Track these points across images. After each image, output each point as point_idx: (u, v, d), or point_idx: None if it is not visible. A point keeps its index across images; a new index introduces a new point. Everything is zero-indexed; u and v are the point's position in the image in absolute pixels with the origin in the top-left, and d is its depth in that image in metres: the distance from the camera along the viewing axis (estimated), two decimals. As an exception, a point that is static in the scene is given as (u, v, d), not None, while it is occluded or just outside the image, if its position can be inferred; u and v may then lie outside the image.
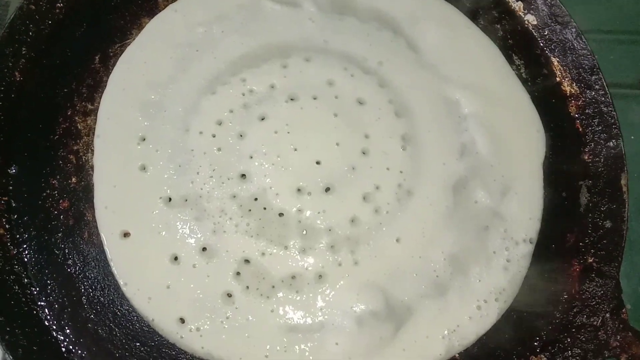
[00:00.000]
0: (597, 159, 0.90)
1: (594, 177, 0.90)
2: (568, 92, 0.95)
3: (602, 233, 0.86)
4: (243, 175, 0.82)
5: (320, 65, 0.88)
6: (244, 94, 0.85)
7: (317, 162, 0.83)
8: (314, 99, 0.85)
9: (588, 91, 0.93)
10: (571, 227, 0.88)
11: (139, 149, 0.83)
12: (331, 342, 0.77)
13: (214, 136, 0.83)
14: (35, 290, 0.79)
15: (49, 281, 0.80)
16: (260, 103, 0.85)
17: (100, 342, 0.78)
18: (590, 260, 0.85)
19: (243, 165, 0.82)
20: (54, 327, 0.78)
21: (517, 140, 0.90)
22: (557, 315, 0.83)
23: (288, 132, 0.83)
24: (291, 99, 0.85)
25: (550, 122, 0.92)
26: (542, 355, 0.81)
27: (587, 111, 0.93)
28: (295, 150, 0.83)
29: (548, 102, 0.94)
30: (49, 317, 0.79)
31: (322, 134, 0.84)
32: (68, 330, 0.78)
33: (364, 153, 0.84)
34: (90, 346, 0.78)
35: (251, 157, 0.82)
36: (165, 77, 0.87)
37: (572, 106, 0.94)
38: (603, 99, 0.91)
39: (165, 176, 0.82)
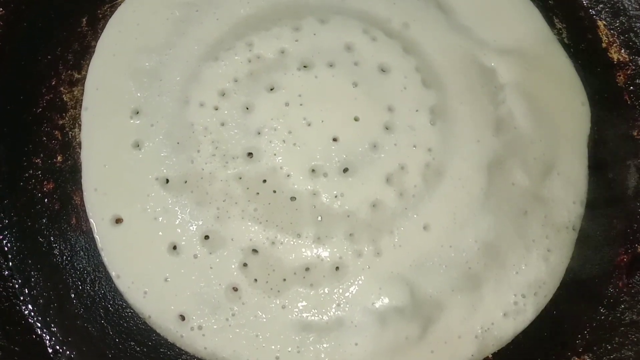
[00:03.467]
0: (647, 135, 0.80)
1: (645, 155, 0.80)
2: (615, 60, 0.84)
3: (655, 218, 0.77)
4: (250, 154, 0.73)
5: (337, 28, 0.77)
6: (250, 61, 0.75)
7: (334, 139, 0.73)
8: (330, 66, 0.75)
9: (639, 58, 0.82)
10: (618, 212, 0.79)
11: (132, 123, 0.74)
12: (350, 342, 0.69)
13: (216, 109, 0.73)
14: (18, 283, 0.72)
15: (32, 272, 0.72)
16: (269, 71, 0.75)
17: (91, 341, 0.71)
18: (641, 250, 0.76)
19: (250, 142, 0.73)
20: (39, 324, 0.71)
21: (560, 114, 0.80)
22: (603, 312, 0.75)
23: (301, 105, 0.73)
24: (304, 67, 0.75)
25: (596, 93, 0.82)
26: (586, 357, 0.72)
27: (637, 81, 0.82)
28: (309, 125, 0.73)
29: (593, 71, 0.84)
30: (32, 313, 0.71)
31: (340, 107, 0.74)
32: (54, 328, 0.71)
33: (387, 128, 0.74)
34: (79, 346, 0.70)
35: (259, 133, 0.73)
36: (161, 41, 0.77)
37: (620, 75, 0.83)
38: (657, 66, 0.81)
39: (161, 154, 0.72)
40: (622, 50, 0.84)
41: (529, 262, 0.74)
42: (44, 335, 0.70)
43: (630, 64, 0.83)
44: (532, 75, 0.80)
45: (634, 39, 0.83)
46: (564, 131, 0.79)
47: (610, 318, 0.74)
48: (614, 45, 0.84)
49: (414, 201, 0.73)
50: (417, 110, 0.75)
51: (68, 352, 0.70)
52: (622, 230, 0.78)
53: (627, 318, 0.73)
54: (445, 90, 0.77)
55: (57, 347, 0.70)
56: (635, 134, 0.81)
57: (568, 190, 0.77)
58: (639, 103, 0.82)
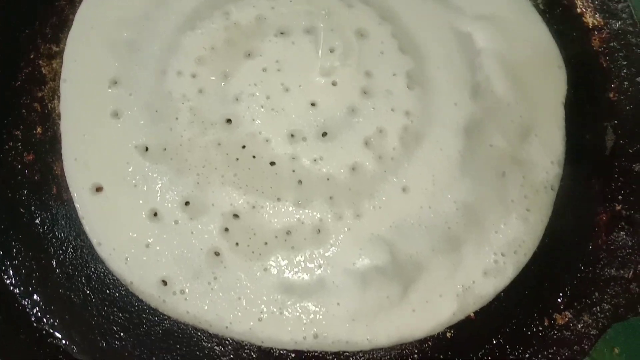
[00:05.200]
0: (623, 96, 0.81)
1: (621, 117, 0.81)
2: (591, 24, 0.85)
3: (631, 177, 0.77)
4: (228, 120, 0.73)
5: (313, -6, 0.77)
6: (227, 29, 0.76)
7: (312, 104, 0.74)
8: (307, 32, 0.76)
9: (613, 22, 0.83)
10: (596, 172, 0.79)
11: (110, 93, 0.74)
12: (332, 302, 0.69)
13: (194, 77, 0.74)
14: (-1, 253, 0.71)
15: (13, 243, 0.72)
16: (247, 38, 0.76)
17: (74, 309, 0.70)
18: (619, 208, 0.76)
19: (228, 109, 0.73)
20: (21, 294, 0.70)
21: (536, 77, 0.80)
22: (583, 269, 0.75)
23: (278, 70, 0.74)
24: (281, 33, 0.76)
25: (572, 57, 0.83)
26: (567, 313, 0.73)
27: (612, 44, 0.83)
28: (287, 90, 0.73)
29: (568, 35, 0.85)
30: (15, 283, 0.71)
31: (317, 72, 0.74)
32: (37, 297, 0.70)
33: (365, 93, 0.75)
34: (62, 314, 0.70)
35: (237, 100, 0.73)
36: (139, 12, 0.78)
37: (595, 39, 0.84)
38: (631, 29, 0.82)
39: (140, 123, 0.73)
40: (597, 15, 0.85)
41: (508, 222, 0.74)
42: (27, 304, 0.70)
43: (605, 27, 0.84)
44: (509, 40, 0.81)
45: (608, 3, 0.84)
46: (541, 94, 0.80)
47: (590, 275, 0.75)
48: (589, 9, 0.85)
49: (393, 164, 0.73)
50: (394, 75, 0.76)
51: (51, 321, 0.69)
52: (601, 190, 0.78)
53: (606, 274, 0.74)
54: (422, 56, 0.78)
55: (40, 316, 0.69)
56: (611, 95, 0.82)
57: (545, 151, 0.78)
58: (614, 66, 0.82)
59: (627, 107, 0.81)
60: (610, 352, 0.83)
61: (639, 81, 0.81)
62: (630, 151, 0.79)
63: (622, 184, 0.78)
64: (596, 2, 0.85)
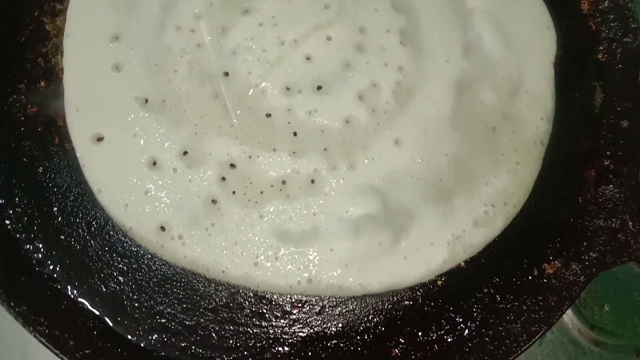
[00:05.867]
0: (612, 57, 0.83)
1: (609, 77, 0.82)
2: (580, -13, 0.86)
3: (619, 134, 0.79)
4: (226, 73, 0.75)
5: (308, -47, 0.80)
6: (225, -15, 0.78)
7: (308, 58, 0.76)
8: (303, -11, 0.78)
9: (602, -15, 0.85)
10: (585, 129, 0.81)
11: (111, 47, 0.76)
12: (325, 248, 0.71)
13: (192, 31, 0.76)
14: (2, 200, 0.73)
15: (16, 191, 0.74)
16: (244, -6, 0.77)
17: (75, 255, 0.72)
18: (607, 163, 0.78)
19: (225, 62, 0.75)
20: (23, 239, 0.72)
21: (527, 37, 0.82)
22: (572, 221, 0.76)
23: (274, 25, 0.76)
24: (277, -10, 0.78)
25: (561, 20, 0.85)
26: (556, 262, 0.74)
27: (600, 7, 0.85)
28: (283, 44, 0.75)
29: (558, -2, 0.86)
30: (17, 229, 0.73)
31: (312, 27, 0.76)
32: (39, 244, 0.72)
33: (359, 48, 0.77)
34: (63, 259, 0.72)
35: (234, 53, 0.75)
36: (139, -30, 0.79)
37: (584, 3, 0.86)
38: (618, -10, 0.83)
39: (140, 75, 0.75)
40: (586, -23, 0.87)
41: (498, 174, 0.76)
42: (29, 249, 0.72)
43: (594, -10, 0.86)
44: (500, 1, 0.83)
45: (596, -35, 0.86)
46: (531, 53, 0.82)
47: (579, 227, 0.76)
48: (578, -28, 0.87)
49: (386, 117, 0.75)
50: (387, 31, 0.78)
51: (52, 266, 0.71)
52: (589, 146, 0.80)
53: (594, 224, 0.75)
54: (414, 15, 0.80)
55: (42, 260, 0.71)
56: (600, 56, 0.84)
57: (535, 107, 0.80)
58: (603, 28, 0.84)
59: (615, 67, 0.83)
60: (600, 310, 0.85)
61: (627, 42, 0.82)
62: (619, 109, 0.80)
63: (610, 140, 0.80)
64: (586, -35, 0.87)
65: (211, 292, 0.71)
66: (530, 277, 0.74)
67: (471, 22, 0.81)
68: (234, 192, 0.72)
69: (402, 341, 0.71)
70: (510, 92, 0.79)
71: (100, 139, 0.74)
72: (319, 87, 0.75)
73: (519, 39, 0.82)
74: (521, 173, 0.77)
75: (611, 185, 0.77)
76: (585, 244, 0.74)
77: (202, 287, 0.71)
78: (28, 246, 0.71)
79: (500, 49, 0.80)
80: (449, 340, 0.71)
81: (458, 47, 0.79)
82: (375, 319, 0.72)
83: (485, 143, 0.77)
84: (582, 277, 0.72)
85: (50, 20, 0.79)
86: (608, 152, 0.79)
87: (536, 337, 0.69)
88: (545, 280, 0.74)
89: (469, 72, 0.79)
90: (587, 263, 0.73)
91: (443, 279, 0.74)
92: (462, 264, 0.74)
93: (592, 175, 0.79)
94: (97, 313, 0.70)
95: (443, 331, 0.72)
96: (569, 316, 0.84)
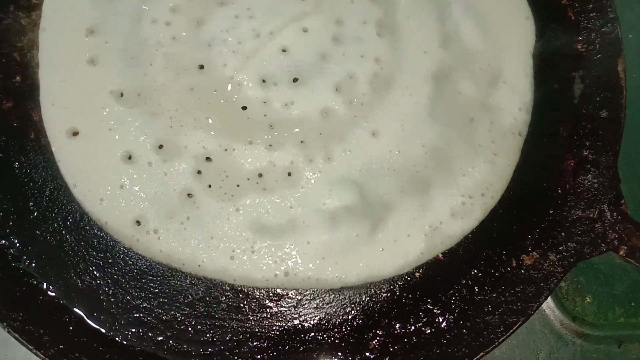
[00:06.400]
0: (591, 47, 0.83)
1: (588, 66, 0.82)
2: (559, -22, 0.86)
3: (598, 124, 0.79)
4: (201, 66, 0.75)
5: (283, -55, 0.79)
6: (200, -22, 0.77)
7: (283, 50, 0.75)
8: (279, -19, 0.77)
9: (581, -26, 0.85)
10: (564, 119, 0.81)
11: (87, 41, 0.75)
12: (303, 241, 0.71)
13: (168, 24, 0.75)
14: (-22, 196, 0.72)
15: (-8, 186, 0.73)
16: (219, -14, 0.77)
17: (51, 250, 0.71)
18: (586, 153, 0.78)
19: (201, 54, 0.75)
20: (-1, 235, 0.71)
21: (505, 27, 0.82)
22: (550, 212, 0.76)
23: (250, 17, 0.76)
24: (253, -18, 0.77)
25: (540, 10, 0.84)
26: (534, 253, 0.74)
27: (579, -3, 0.84)
28: (258, 36, 0.75)
29: (537, -12, 0.86)
30: (-7, 224, 0.72)
31: (289, 19, 0.76)
32: (14, 239, 0.72)
33: (335, 40, 0.76)
34: (39, 254, 0.71)
35: (209, 45, 0.75)
36: (115, -37, 0.79)
37: (563, -7, 0.85)
38: (597, -20, 0.83)
39: (116, 69, 0.74)
40: (565, -32, 0.86)
41: (475, 165, 0.76)
42: (5, 244, 0.71)
43: (572, -20, 0.86)
44: (477, -9, 0.83)
45: (575, -45, 0.86)
46: (509, 43, 0.82)
47: (557, 217, 0.76)
48: (557, -38, 0.87)
49: (363, 109, 0.75)
50: (364, 23, 0.77)
51: (28, 261, 0.71)
52: (568, 136, 0.80)
53: (573, 215, 0.75)
54: (392, 5, 0.80)
55: (18, 255, 0.71)
56: (579, 47, 0.83)
57: (513, 98, 0.79)
58: (581, 18, 0.84)
59: (594, 58, 0.82)
60: (582, 301, 0.85)
61: (606, 32, 0.82)
62: (598, 99, 0.80)
63: (589, 131, 0.79)
64: (565, -44, 0.86)
65: (187, 286, 0.71)
66: (508, 269, 0.74)
67: (449, 12, 0.81)
68: (209, 186, 0.72)
69: (380, 333, 0.71)
70: (488, 83, 0.79)
71: (75, 134, 0.73)
72: (295, 79, 0.75)
73: (497, 29, 0.82)
74: (499, 164, 0.77)
75: (589, 175, 0.76)
76: (563, 234, 0.74)
77: (178, 281, 0.71)
78: (3, 241, 0.71)
79: (478, 40, 0.80)
80: (427, 332, 0.71)
81: (436, 37, 0.79)
82: (353, 312, 0.72)
83: (463, 134, 0.77)
84: (560, 267, 0.72)
85: (26, 14, 0.79)
86: (587, 142, 0.79)
87: (514, 329, 0.69)
88: (523, 272, 0.73)
89: (447, 63, 0.78)
90: (565, 254, 0.73)
91: (421, 271, 0.73)
92: (440, 255, 0.74)
93: (571, 166, 0.78)
94: (73, 308, 0.69)
95: (421, 323, 0.72)
96: (550, 308, 0.84)
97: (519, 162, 0.78)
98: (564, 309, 0.85)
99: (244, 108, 0.74)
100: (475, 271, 0.74)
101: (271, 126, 0.73)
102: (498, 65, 0.80)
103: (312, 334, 0.70)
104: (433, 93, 0.77)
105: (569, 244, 0.73)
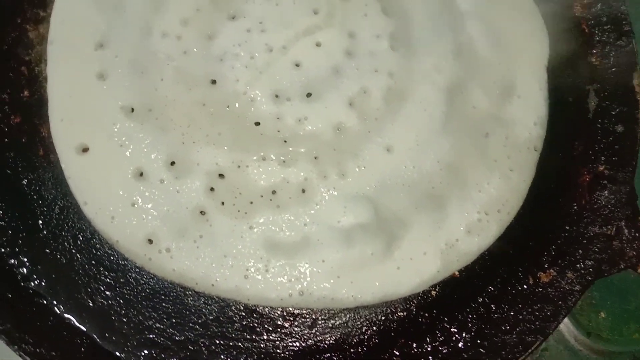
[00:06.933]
0: (605, 60, 0.82)
1: (603, 80, 0.81)
2: (572, -11, 0.85)
3: (614, 138, 0.78)
4: (213, 81, 0.73)
5: (296, -43, 0.78)
6: (212, -9, 0.76)
7: (297, 65, 0.74)
8: (291, -6, 0.76)
9: (595, -14, 0.84)
10: (579, 134, 0.80)
11: (96, 54, 0.74)
12: (317, 259, 0.69)
13: (179, 38, 0.74)
14: (-15, 214, 0.71)
15: (0, 204, 0.71)
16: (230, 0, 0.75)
17: (61, 269, 0.70)
18: (602, 168, 0.77)
19: (212, 69, 0.73)
20: (7, 254, 0.70)
21: (519, 40, 0.81)
22: (567, 228, 0.75)
23: (262, 31, 0.74)
24: (265, -5, 0.76)
25: (554, 22, 0.83)
26: (551, 270, 0.73)
27: (593, 9, 0.83)
28: (271, 51, 0.74)
29: (551, 1, 0.85)
30: (1, 243, 0.71)
31: (301, 33, 0.75)
32: (24, 257, 0.70)
33: (348, 54, 0.75)
34: (49, 273, 0.70)
35: (221, 60, 0.74)
36: (125, -25, 0.77)
37: (577, 5, 0.84)
38: (612, -7, 0.82)
39: (126, 84, 0.73)
40: (578, -21, 0.85)
41: (491, 181, 0.75)
42: (14, 264, 0.70)
43: (587, -7, 0.85)
44: (491, 3, 0.82)
45: (589, -33, 0.85)
46: (523, 56, 0.80)
47: (574, 234, 0.75)
48: (570, -27, 0.86)
49: (377, 124, 0.74)
50: (377, 36, 0.76)
51: (38, 280, 0.70)
52: (584, 151, 0.79)
53: (590, 231, 0.74)
54: (405, 18, 0.78)
55: (27, 275, 0.70)
56: (593, 60, 0.82)
57: (528, 112, 0.78)
58: (596, 31, 0.83)
59: (609, 71, 0.81)
60: (596, 317, 0.84)
61: (620, 45, 0.81)
62: (613, 113, 0.79)
63: (604, 145, 0.78)
64: (578, -33, 0.85)
65: (201, 305, 0.70)
66: (525, 286, 0.73)
67: (462, 24, 0.80)
68: (222, 203, 0.71)
69: (397, 353, 0.70)
70: (502, 97, 0.78)
71: (85, 150, 0.72)
72: (309, 94, 0.74)
73: (511, 42, 0.81)
74: (515, 179, 0.76)
75: (606, 191, 0.76)
76: (580, 251, 0.73)
77: (191, 300, 0.70)
78: (12, 261, 0.70)
79: (492, 52, 0.79)
80: (444, 351, 0.70)
81: (450, 50, 0.78)
82: (368, 331, 0.71)
83: (478, 149, 0.76)
84: (578, 285, 0.71)
85: (34, 27, 0.77)
86: (603, 157, 0.78)
87: (532, 348, 0.68)
88: (540, 289, 0.72)
89: (461, 76, 0.77)
90: (582, 271, 0.72)
91: (437, 289, 0.73)
92: (456, 273, 0.73)
93: (586, 181, 0.77)
94: (84, 329, 0.68)
95: (438, 342, 0.71)
96: (565, 323, 0.83)
97: (534, 177, 0.77)
98: (578, 324, 0.84)
99: (257, 124, 0.73)
100: (492, 289, 0.74)
101: (284, 142, 0.72)
102: (512, 78, 0.79)
103: (328, 354, 0.69)
104: (447, 107, 0.76)
105: (586, 261, 0.72)
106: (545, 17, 0.84)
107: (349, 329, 0.70)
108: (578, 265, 0.72)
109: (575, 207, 0.76)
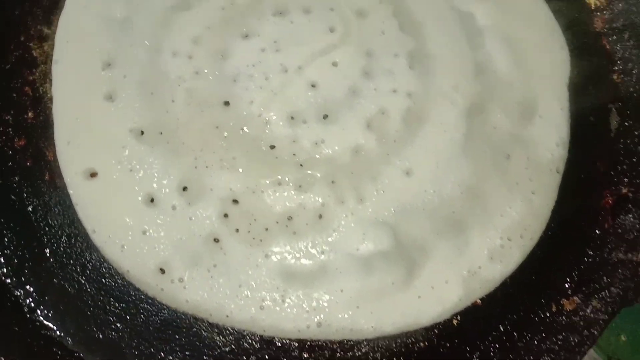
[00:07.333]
0: (627, 78, 0.80)
1: (625, 98, 0.79)
2: (593, 5, 0.83)
3: (637, 159, 0.76)
4: (226, 102, 0.71)
5: (312, -27, 0.75)
6: (223, 8, 0.73)
7: (312, 85, 0.72)
8: (306, 11, 0.74)
9: (616, 2, 0.82)
10: (601, 154, 0.78)
11: (103, 75, 0.72)
12: (335, 289, 0.67)
13: (190, 57, 0.71)
14: (-10, 242, 0.68)
15: (5, 232, 0.69)
16: (243, 17, 0.73)
17: (69, 300, 0.68)
18: (625, 191, 0.75)
19: (226, 90, 0.71)
20: (14, 284, 0.68)
21: (539, 57, 0.79)
22: (590, 253, 0.73)
23: (277, 51, 0.72)
24: (279, 13, 0.74)
25: (575, 39, 0.82)
26: (575, 298, 0.71)
27: (615, 25, 0.81)
28: (286, 71, 0.71)
29: (571, 16, 0.83)
30: (7, 273, 0.68)
31: (317, 52, 0.72)
32: (30, 288, 0.68)
33: (366, 73, 0.73)
34: (56, 304, 0.68)
35: (235, 81, 0.71)
36: (133, -10, 0.74)
37: (598, 20, 0.82)
38: (634, 8, 0.80)
39: (135, 105, 0.70)
40: (600, -6, 0.83)
41: (513, 204, 0.73)
42: (20, 295, 0.67)
43: (607, 8, 0.83)
44: (510, 19, 0.79)
45: (611, -17, 0.82)
46: (544, 74, 0.78)
47: (597, 259, 0.73)
48: (591, -10, 0.84)
49: (396, 146, 0.72)
50: (395, 55, 0.74)
51: (45, 312, 0.67)
52: (606, 172, 0.77)
53: (614, 257, 0.72)
54: (423, 35, 0.76)
55: (33, 306, 0.67)
56: (615, 77, 0.80)
57: (550, 132, 0.76)
58: (617, 47, 0.81)
59: (631, 89, 0.79)
60: (616, 340, 0.82)
61: (644, 61, 0.79)
62: (636, 133, 0.77)
63: (627, 166, 0.76)
64: (599, -18, 0.83)
65: (215, 337, 0.67)
66: (548, 314, 0.71)
67: (481, 41, 0.78)
68: (237, 230, 0.68)
69: (418, 385, 0.68)
70: (523, 117, 0.76)
71: (93, 175, 0.69)
72: (325, 116, 0.71)
73: (530, 59, 0.79)
74: (537, 203, 0.73)
75: (630, 215, 0.73)
76: (605, 278, 0.71)
77: (205, 332, 0.67)
78: (19, 291, 0.67)
79: (512, 70, 0.77)
80: (467, 382, 0.68)
81: (469, 69, 0.76)
82: (389, 362, 0.68)
83: (500, 171, 0.73)
84: (604, 314, 0.69)
85: (38, 45, 0.75)
86: (626, 179, 0.76)
87: (557, 380, 0.66)
88: (564, 318, 0.70)
89: (481, 96, 0.75)
90: (608, 299, 0.70)
91: (458, 318, 0.70)
92: (478, 300, 0.71)
93: (609, 204, 0.75)
94: (94, 362, 0.66)
95: (460, 373, 0.68)
96: (585, 347, 0.81)
97: (556, 200, 0.75)
98: (598, 347, 0.82)
99: (272, 147, 0.70)
100: (515, 316, 0.72)
101: (301, 165, 0.70)
102: (533, 97, 0.77)
103: (347, 387, 0.67)
104: (467, 128, 0.73)
105: (612, 289, 0.70)
106: (565, 31, 0.81)
107: (369, 361, 0.68)
108: (603, 293, 0.70)
109: (598, 232, 0.74)
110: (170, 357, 0.66)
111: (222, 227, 0.68)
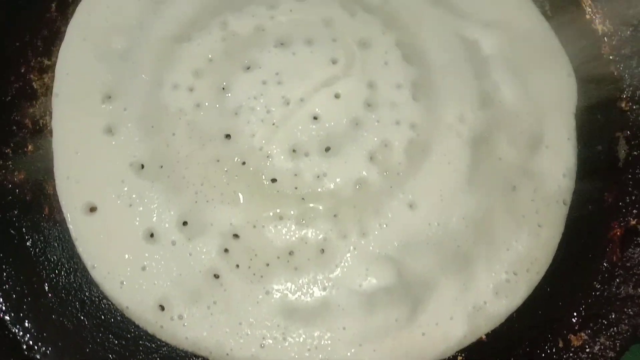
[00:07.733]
0: (636, 106, 0.78)
1: (634, 126, 0.78)
2: (600, 31, 0.82)
3: (646, 190, 0.74)
4: (227, 136, 0.70)
5: (314, 3, 0.75)
6: (225, 40, 0.73)
7: (315, 117, 0.71)
8: (308, 43, 0.73)
9: (624, 28, 0.80)
10: (609, 184, 0.76)
11: (103, 108, 0.71)
12: (338, 327, 0.66)
13: (191, 90, 0.71)
14: (-12, 277, 0.68)
15: (4, 266, 0.69)
16: (245, 49, 0.72)
17: (67, 336, 0.68)
18: (634, 222, 0.73)
19: (227, 123, 0.70)
20: (12, 320, 0.67)
21: (546, 86, 0.77)
22: (598, 287, 0.72)
23: (279, 83, 0.71)
24: (281, 44, 0.73)
25: (581, 65, 0.80)
26: (582, 334, 0.70)
27: (623, 51, 0.80)
28: (288, 104, 0.70)
29: (578, 42, 0.81)
30: (5, 309, 0.68)
31: (319, 84, 0.71)
32: (29, 324, 0.67)
33: (369, 105, 0.72)
34: (55, 341, 0.67)
35: (236, 114, 0.70)
36: (133, 22, 0.75)
37: (605, 47, 0.81)
38: (643, 35, 0.78)
39: (135, 139, 0.70)
40: (607, 21, 0.82)
41: (519, 238, 0.71)
42: (18, 331, 0.67)
43: (615, 34, 0.81)
44: (516, 47, 0.78)
45: (618, 9, 0.81)
46: (551, 103, 0.77)
47: (605, 293, 0.72)
48: (598, 16, 0.82)
49: (399, 179, 0.70)
50: (398, 86, 0.73)
51: (43, 349, 0.66)
52: (614, 203, 0.75)
53: (622, 292, 0.71)
54: (427, 65, 0.75)
55: (32, 344, 0.66)
56: (623, 105, 0.79)
57: (557, 163, 0.75)
58: (625, 74, 0.80)
59: (640, 117, 0.78)
60: (625, 375, 0.80)
61: (652, 89, 0.78)
62: (645, 162, 0.76)
63: (636, 197, 0.75)
64: (606, 9, 0.82)
65: (215, 375, 0.66)
66: (555, 350, 0.70)
67: (486, 70, 0.76)
68: (237, 266, 0.67)
69: None
70: (529, 147, 0.75)
71: (93, 209, 0.69)
72: (328, 149, 0.70)
73: (537, 88, 0.77)
74: (544, 236, 0.72)
75: (639, 248, 0.72)
76: (613, 314, 0.70)
77: (205, 370, 0.66)
78: (17, 328, 0.66)
79: (518, 100, 0.76)
80: (472, 422, 0.67)
81: (474, 98, 0.75)
82: (392, 401, 0.67)
83: (505, 204, 0.72)
84: (612, 352, 0.67)
85: (38, 77, 0.74)
86: (635, 211, 0.74)
87: (565, 421, 0.65)
88: (571, 354, 0.69)
89: (486, 127, 0.74)
90: (617, 336, 0.68)
91: (463, 354, 0.69)
92: (483, 336, 0.69)
93: (617, 236, 0.74)
94: (93, 402, 0.65)
95: (465, 412, 0.67)
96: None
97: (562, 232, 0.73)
98: (606, 381, 0.80)
99: (274, 180, 0.69)
100: (520, 352, 0.70)
101: (302, 199, 0.69)
102: (539, 127, 0.76)
103: None
104: (472, 160, 0.72)
105: (620, 325, 0.69)
106: (572, 58, 0.80)
107: (372, 401, 0.67)
108: (612, 330, 0.69)
109: (606, 265, 0.73)
110: (170, 396, 0.65)
111: (222, 262, 0.67)
